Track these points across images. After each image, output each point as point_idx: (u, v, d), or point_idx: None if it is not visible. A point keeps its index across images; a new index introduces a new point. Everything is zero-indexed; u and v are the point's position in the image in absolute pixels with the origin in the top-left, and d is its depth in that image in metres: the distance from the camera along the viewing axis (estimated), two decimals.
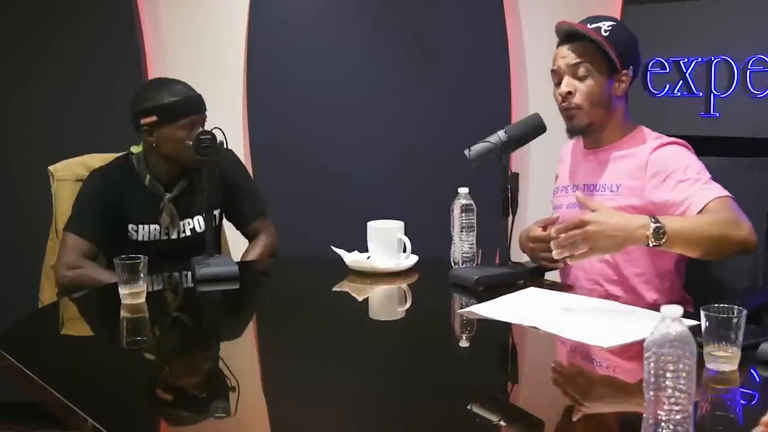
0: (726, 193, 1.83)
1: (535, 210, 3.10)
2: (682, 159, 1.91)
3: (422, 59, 3.28)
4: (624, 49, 1.97)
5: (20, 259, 2.89)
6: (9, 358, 1.50)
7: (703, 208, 1.79)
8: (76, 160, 2.46)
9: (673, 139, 1.98)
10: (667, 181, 1.88)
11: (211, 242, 2.09)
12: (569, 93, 1.97)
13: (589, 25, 1.96)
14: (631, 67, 1.99)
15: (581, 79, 1.96)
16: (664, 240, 1.66)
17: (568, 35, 1.99)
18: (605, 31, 1.95)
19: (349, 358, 1.55)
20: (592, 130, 2.01)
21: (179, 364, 1.58)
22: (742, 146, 2.74)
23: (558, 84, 2.00)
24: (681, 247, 1.74)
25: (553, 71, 2.01)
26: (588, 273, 2.01)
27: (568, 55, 1.97)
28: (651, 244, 1.66)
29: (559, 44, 2.01)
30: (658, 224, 1.65)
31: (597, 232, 1.64)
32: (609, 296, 1.89)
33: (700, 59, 2.89)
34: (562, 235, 1.66)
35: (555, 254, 1.68)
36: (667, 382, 0.99)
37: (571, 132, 2.02)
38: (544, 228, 2.03)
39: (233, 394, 1.35)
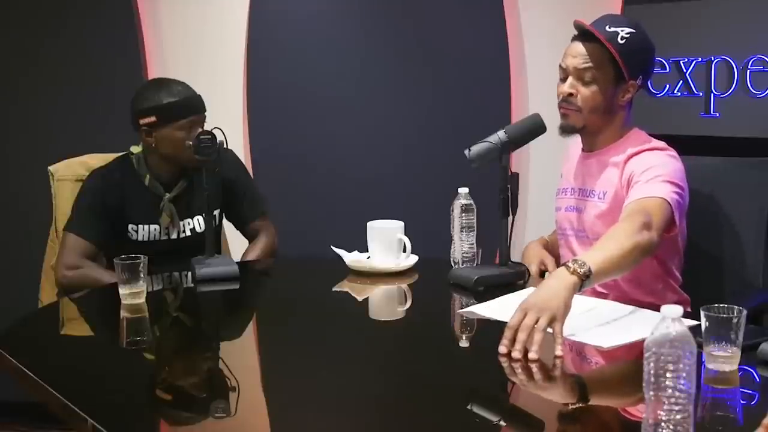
0: (664, 194, 1.80)
1: (535, 210, 3.11)
2: (649, 162, 1.89)
3: (422, 59, 3.28)
4: (637, 60, 1.93)
5: (20, 259, 2.89)
6: (9, 358, 1.50)
7: (635, 202, 1.79)
8: (76, 160, 2.45)
9: (654, 144, 1.95)
10: (631, 187, 1.88)
11: (211, 242, 2.09)
12: (570, 95, 1.95)
13: (608, 28, 1.91)
14: (640, 76, 1.96)
15: (586, 83, 1.93)
16: (588, 268, 1.53)
17: (584, 33, 1.95)
18: (622, 39, 1.90)
19: (349, 358, 1.55)
20: (585, 132, 2.01)
21: (179, 364, 1.58)
22: (742, 146, 2.74)
23: (563, 80, 1.97)
24: (611, 270, 1.62)
25: (561, 66, 1.98)
26: None
27: (578, 56, 1.93)
28: (582, 278, 1.52)
29: (574, 39, 1.97)
30: (575, 259, 1.56)
31: (537, 300, 1.48)
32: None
33: (700, 59, 2.89)
34: (521, 335, 1.43)
35: (532, 354, 1.42)
36: (667, 382, 0.99)
37: (563, 130, 2.00)
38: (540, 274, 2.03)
39: (233, 394, 1.35)
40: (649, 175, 1.85)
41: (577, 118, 1.96)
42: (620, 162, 1.95)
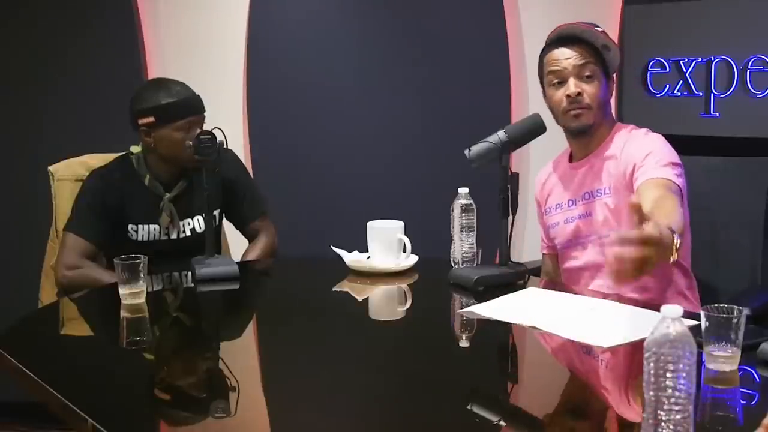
0: (673, 178, 1.82)
1: (535, 210, 3.11)
2: (645, 147, 1.92)
3: (422, 59, 3.28)
4: (616, 54, 2.01)
5: (20, 259, 2.89)
6: (9, 358, 1.50)
7: (652, 180, 1.81)
8: (76, 160, 2.45)
9: (635, 132, 2.00)
10: (634, 173, 1.89)
11: (211, 242, 2.09)
12: (579, 93, 1.96)
13: (583, 29, 1.98)
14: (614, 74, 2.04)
15: (587, 80, 1.97)
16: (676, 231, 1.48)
17: (569, 38, 1.99)
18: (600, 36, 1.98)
19: (349, 358, 1.55)
20: (591, 131, 2.01)
21: (179, 364, 1.58)
22: (742, 146, 2.74)
23: (558, 84, 1.99)
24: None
25: (553, 72, 1.99)
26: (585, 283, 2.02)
27: (573, 56, 1.97)
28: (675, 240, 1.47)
29: (558, 46, 2.00)
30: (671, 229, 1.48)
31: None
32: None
33: (700, 59, 2.89)
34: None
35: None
36: (667, 382, 0.99)
37: (579, 132, 2.01)
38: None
39: (233, 394, 1.35)
40: (652, 160, 1.87)
41: (589, 116, 1.99)
42: (617, 152, 1.98)
